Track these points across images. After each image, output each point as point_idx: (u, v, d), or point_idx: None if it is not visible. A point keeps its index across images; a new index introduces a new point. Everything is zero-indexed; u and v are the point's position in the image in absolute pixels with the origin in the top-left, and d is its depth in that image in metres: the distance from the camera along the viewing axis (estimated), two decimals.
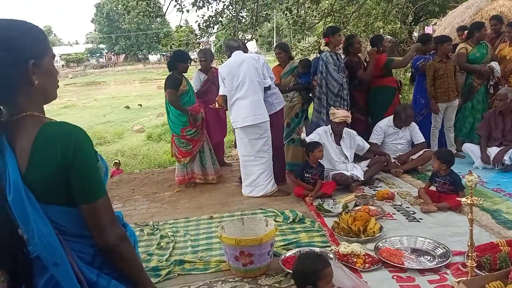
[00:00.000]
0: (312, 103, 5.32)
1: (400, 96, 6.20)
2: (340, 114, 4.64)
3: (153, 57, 56.20)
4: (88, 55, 57.15)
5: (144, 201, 4.89)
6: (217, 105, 5.05)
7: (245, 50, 4.67)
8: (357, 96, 5.43)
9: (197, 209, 4.44)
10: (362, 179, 4.59)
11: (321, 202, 4.13)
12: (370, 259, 2.95)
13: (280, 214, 3.99)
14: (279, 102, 4.71)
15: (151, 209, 4.57)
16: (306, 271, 2.08)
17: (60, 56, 55.12)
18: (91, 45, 58.69)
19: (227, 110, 4.73)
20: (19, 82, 1.17)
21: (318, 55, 5.42)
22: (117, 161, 7.75)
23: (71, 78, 43.51)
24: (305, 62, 5.38)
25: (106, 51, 56.68)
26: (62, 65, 53.09)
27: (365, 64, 5.52)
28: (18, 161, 1.12)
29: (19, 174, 1.11)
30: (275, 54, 5.41)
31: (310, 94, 5.32)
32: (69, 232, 1.20)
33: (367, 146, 4.94)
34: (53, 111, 19.26)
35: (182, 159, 5.07)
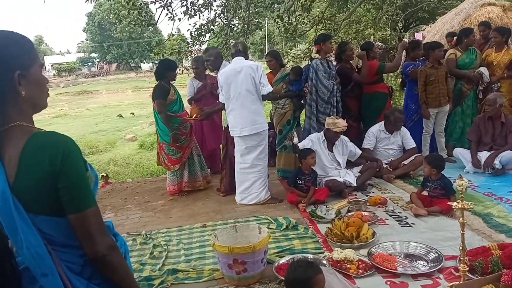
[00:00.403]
0: (304, 110, 5.35)
1: (391, 102, 6.25)
2: (341, 124, 4.64)
3: (145, 66, 56.15)
4: (80, 64, 56.96)
5: (137, 210, 4.86)
6: (191, 116, 4.92)
7: (246, 56, 4.58)
8: (350, 102, 5.47)
9: (190, 218, 4.42)
10: (355, 185, 4.61)
11: (314, 208, 4.13)
12: (363, 265, 2.95)
13: (273, 221, 3.99)
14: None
15: (143, 218, 4.55)
16: (298, 278, 2.08)
17: (51, 66, 54.95)
18: (83, 54, 58.55)
19: (202, 120, 4.90)
20: (6, 93, 1.18)
21: (310, 62, 5.46)
22: (105, 174, 7.07)
23: (62, 87, 43.30)
24: (296, 70, 5.41)
25: (98, 60, 56.53)
26: (54, 75, 52.87)
27: (357, 70, 5.56)
28: (6, 171, 1.12)
29: (7, 184, 1.11)
30: (266, 61, 5.43)
31: (302, 101, 5.34)
32: (58, 242, 1.18)
33: (359, 152, 4.97)
34: (44, 120, 19.12)
35: (172, 166, 5.06)
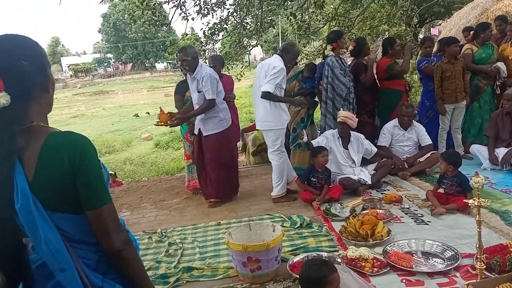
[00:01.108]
0: (319, 107, 5.33)
1: (408, 99, 6.16)
2: (341, 114, 4.64)
3: (160, 65, 56.58)
4: (96, 64, 57.70)
5: (152, 208, 4.91)
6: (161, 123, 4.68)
7: (284, 55, 4.43)
8: (366, 98, 5.43)
9: (205, 216, 4.45)
10: (369, 182, 4.57)
11: (329, 206, 4.12)
12: (378, 263, 2.93)
13: (287, 219, 3.99)
14: (228, 118, 4.57)
15: (159, 217, 4.60)
16: (313, 277, 2.07)
17: (68, 67, 55.78)
18: (99, 55, 59.29)
19: (171, 126, 4.64)
20: (36, 89, 1.22)
21: (323, 60, 5.43)
22: (112, 173, 6.89)
23: (79, 88, 43.97)
24: (311, 67, 5.40)
25: (113, 60, 57.20)
26: (71, 75, 53.70)
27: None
28: (25, 170, 1.14)
29: (27, 183, 1.13)
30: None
31: (315, 99, 5.33)
32: (75, 239, 1.21)
33: (375, 150, 4.92)
34: (62, 121, 19.45)
35: (186, 160, 5.19)
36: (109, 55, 57.29)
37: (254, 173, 5.92)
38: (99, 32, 55.70)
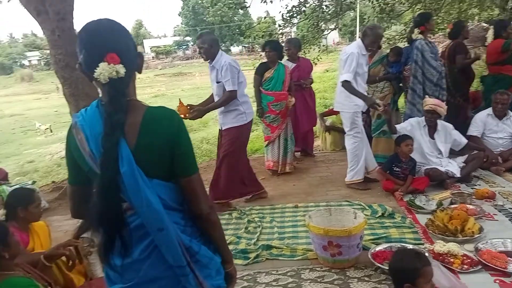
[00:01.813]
0: (403, 94, 5.08)
1: None
2: (430, 102, 4.38)
3: (235, 49, 57.43)
4: (176, 47, 60.01)
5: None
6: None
7: (364, 40, 4.26)
8: (463, 83, 5.08)
9: (282, 197, 4.49)
10: (458, 175, 4.30)
11: (413, 198, 3.95)
12: (468, 260, 2.77)
13: (367, 208, 3.90)
14: (250, 112, 4.18)
15: None
16: (406, 268, 2.00)
17: (150, 48, 58.62)
18: (178, 38, 61.54)
19: (190, 119, 4.10)
20: (135, 69, 1.34)
21: (407, 44, 5.14)
22: None
23: (160, 69, 46.05)
24: (396, 50, 5.15)
25: (192, 43, 59.08)
26: (152, 57, 56.42)
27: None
28: (127, 138, 1.22)
29: (129, 150, 1.22)
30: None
31: (401, 84, 5.08)
32: (167, 205, 1.29)
33: (465, 141, 4.59)
34: (145, 100, 20.20)
35: (265, 142, 5.24)
36: (188, 38, 59.23)
37: (331, 159, 5.82)
38: (179, 15, 57.71)
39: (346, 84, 4.16)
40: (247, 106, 4.14)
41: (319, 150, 6.73)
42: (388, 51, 5.45)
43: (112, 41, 1.25)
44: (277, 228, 3.67)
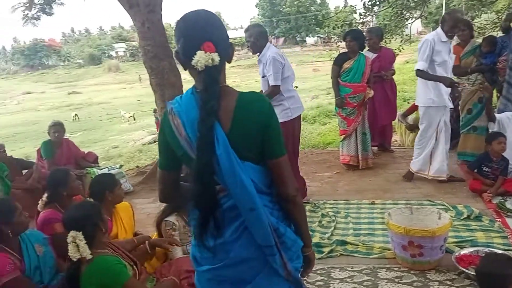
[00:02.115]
0: (496, 87, 4.67)
1: None
2: None
3: (310, 40, 56.84)
4: None
5: (305, 179, 4.98)
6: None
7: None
8: None
9: (357, 193, 4.38)
10: None
11: (503, 200, 3.65)
12: None
13: (451, 209, 3.67)
14: (296, 108, 3.98)
15: (311, 188, 4.65)
16: (496, 273, 1.85)
17: None
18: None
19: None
20: (227, 60, 1.38)
21: (501, 34, 4.70)
22: None
23: (235, 60, 46.90)
24: (490, 39, 4.76)
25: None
26: None
27: None
28: (222, 122, 1.28)
29: (224, 133, 1.27)
30: (461, 30, 4.64)
31: (494, 77, 4.68)
32: (257, 188, 1.33)
33: None
34: None
35: (341, 136, 5.12)
36: None
37: (411, 155, 5.50)
38: (256, 6, 58.31)
39: (419, 73, 4.03)
40: (293, 101, 3.96)
41: (398, 145, 6.45)
42: (480, 40, 5.04)
43: (209, 31, 1.30)
44: (352, 224, 3.59)
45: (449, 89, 4.08)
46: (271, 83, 3.83)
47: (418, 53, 4.06)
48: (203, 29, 1.30)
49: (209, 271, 1.39)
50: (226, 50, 1.35)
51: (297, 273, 1.46)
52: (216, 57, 1.27)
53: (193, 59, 1.26)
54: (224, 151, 1.25)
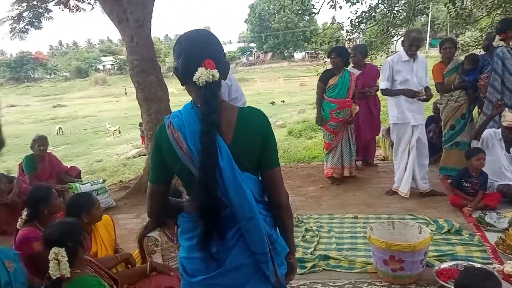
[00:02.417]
0: (477, 105, 4.79)
1: None
2: (509, 118, 4.09)
3: (298, 55, 57.46)
4: (240, 53, 61.22)
5: (289, 193, 5.01)
6: None
7: None
8: None
9: (341, 207, 4.41)
10: None
11: (482, 214, 3.71)
12: None
13: (432, 223, 3.71)
14: None
15: (295, 202, 4.67)
16: (474, 287, 1.87)
17: None
18: (243, 44, 62.75)
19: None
20: (224, 76, 1.43)
21: (482, 52, 4.84)
22: None
23: None
24: (472, 57, 4.88)
25: (255, 49, 59.98)
26: None
27: None
28: (224, 135, 1.34)
29: (226, 145, 1.33)
30: (447, 48, 4.78)
31: (476, 93, 4.80)
32: (254, 197, 1.38)
33: None
34: None
35: (325, 150, 5.18)
36: (252, 44, 60.23)
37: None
38: (245, 22, 58.88)
39: (383, 91, 4.47)
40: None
41: (381, 160, 6.54)
42: (463, 58, 5.17)
43: (209, 49, 1.39)
44: (335, 238, 3.61)
45: (413, 107, 4.29)
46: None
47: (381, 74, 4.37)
48: (204, 47, 1.38)
49: (203, 280, 1.41)
50: (224, 67, 1.42)
51: (283, 279, 1.50)
52: (216, 73, 1.34)
53: (194, 75, 1.33)
54: (228, 163, 1.31)
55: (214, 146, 1.30)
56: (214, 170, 1.30)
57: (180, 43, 1.40)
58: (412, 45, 4.22)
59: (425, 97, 4.25)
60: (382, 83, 4.40)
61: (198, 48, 1.37)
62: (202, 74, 1.32)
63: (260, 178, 1.45)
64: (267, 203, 1.47)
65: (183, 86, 1.45)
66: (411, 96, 4.22)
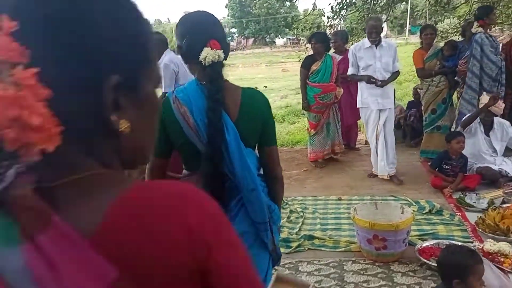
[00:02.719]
0: (457, 91, 4.89)
1: None
2: (486, 100, 4.19)
3: (279, 41, 57.17)
4: None
5: None
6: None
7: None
8: None
9: (324, 189, 4.47)
10: None
11: (463, 195, 3.81)
12: None
13: (414, 204, 3.81)
14: None
15: None
16: (457, 264, 1.94)
17: None
18: (225, 30, 62.09)
19: None
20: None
21: (461, 38, 4.94)
22: None
23: None
24: (451, 44, 4.97)
25: (237, 35, 59.42)
26: None
27: None
28: (229, 112, 1.40)
29: (231, 122, 1.39)
30: (428, 34, 4.89)
31: (456, 78, 4.90)
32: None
33: None
34: None
35: (312, 130, 5.15)
36: (233, 30, 59.63)
37: None
38: (226, 7, 58.17)
39: (349, 77, 4.70)
40: None
41: (364, 144, 6.62)
42: (442, 44, 5.26)
43: (213, 30, 1.43)
44: (320, 219, 3.67)
45: (376, 91, 4.38)
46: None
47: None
48: (208, 28, 1.42)
49: None
50: (226, 48, 1.45)
51: (279, 248, 1.62)
52: (221, 54, 1.38)
53: (199, 55, 1.36)
54: (234, 139, 1.37)
55: (220, 123, 1.35)
56: (220, 145, 1.35)
57: (184, 24, 1.44)
58: (372, 32, 4.33)
59: (379, 83, 4.34)
60: (349, 69, 4.59)
61: (203, 29, 1.41)
62: (209, 55, 1.35)
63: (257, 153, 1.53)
64: (262, 176, 1.56)
65: (186, 64, 1.50)
66: (367, 81, 4.37)
